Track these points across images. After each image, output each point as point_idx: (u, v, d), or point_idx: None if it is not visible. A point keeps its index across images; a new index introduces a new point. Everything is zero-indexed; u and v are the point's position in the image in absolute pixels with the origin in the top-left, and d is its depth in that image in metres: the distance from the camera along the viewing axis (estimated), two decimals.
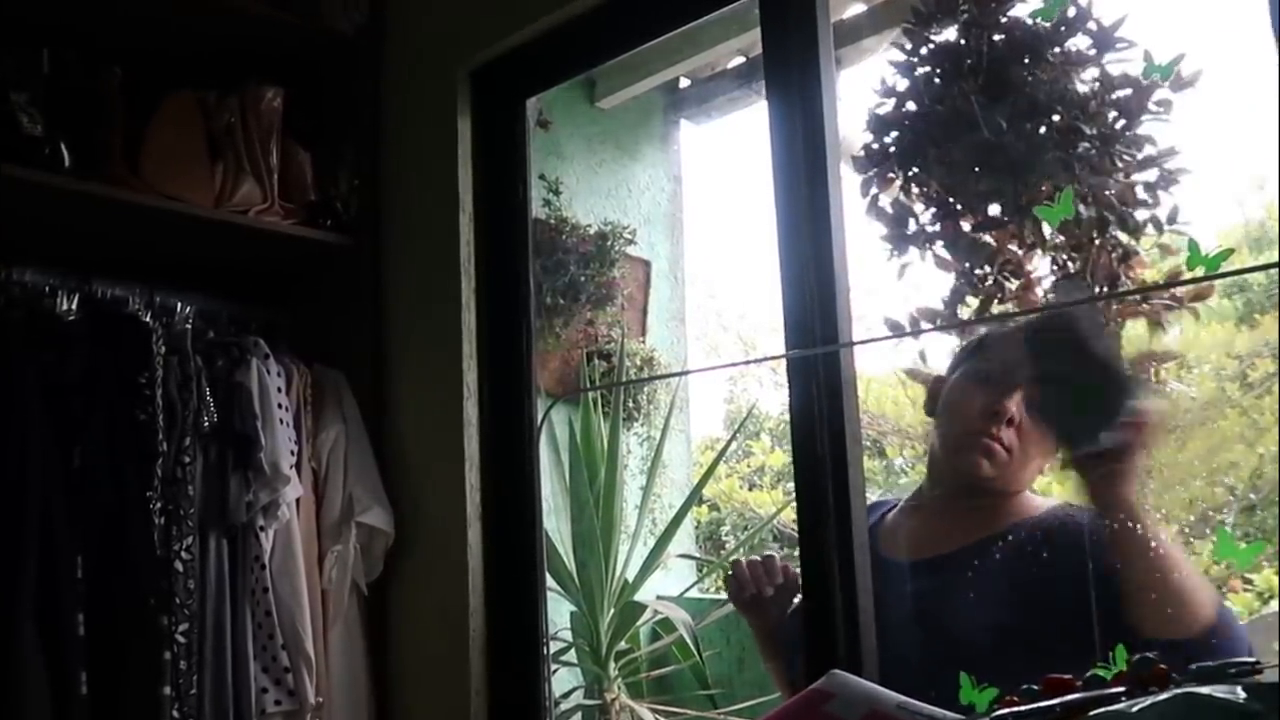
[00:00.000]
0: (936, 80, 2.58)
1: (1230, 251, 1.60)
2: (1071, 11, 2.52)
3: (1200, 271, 1.63)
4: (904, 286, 2.73)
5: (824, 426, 2.30)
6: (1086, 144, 2.39)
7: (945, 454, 2.42)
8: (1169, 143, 2.46)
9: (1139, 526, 2.03)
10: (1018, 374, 2.28)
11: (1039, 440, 2.29)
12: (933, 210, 2.62)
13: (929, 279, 2.69)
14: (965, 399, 2.35)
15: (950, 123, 2.55)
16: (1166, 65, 2.33)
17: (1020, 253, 2.57)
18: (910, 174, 2.62)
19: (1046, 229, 2.49)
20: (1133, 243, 2.47)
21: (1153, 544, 2.02)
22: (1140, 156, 2.43)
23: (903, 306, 2.73)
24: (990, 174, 2.45)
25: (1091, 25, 2.49)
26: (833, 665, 1.98)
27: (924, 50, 2.65)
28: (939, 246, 2.64)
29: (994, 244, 2.57)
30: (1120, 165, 2.43)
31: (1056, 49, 2.51)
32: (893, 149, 2.65)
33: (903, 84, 2.66)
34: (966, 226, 2.60)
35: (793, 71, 2.44)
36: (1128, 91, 2.45)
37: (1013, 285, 2.63)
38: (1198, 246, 1.59)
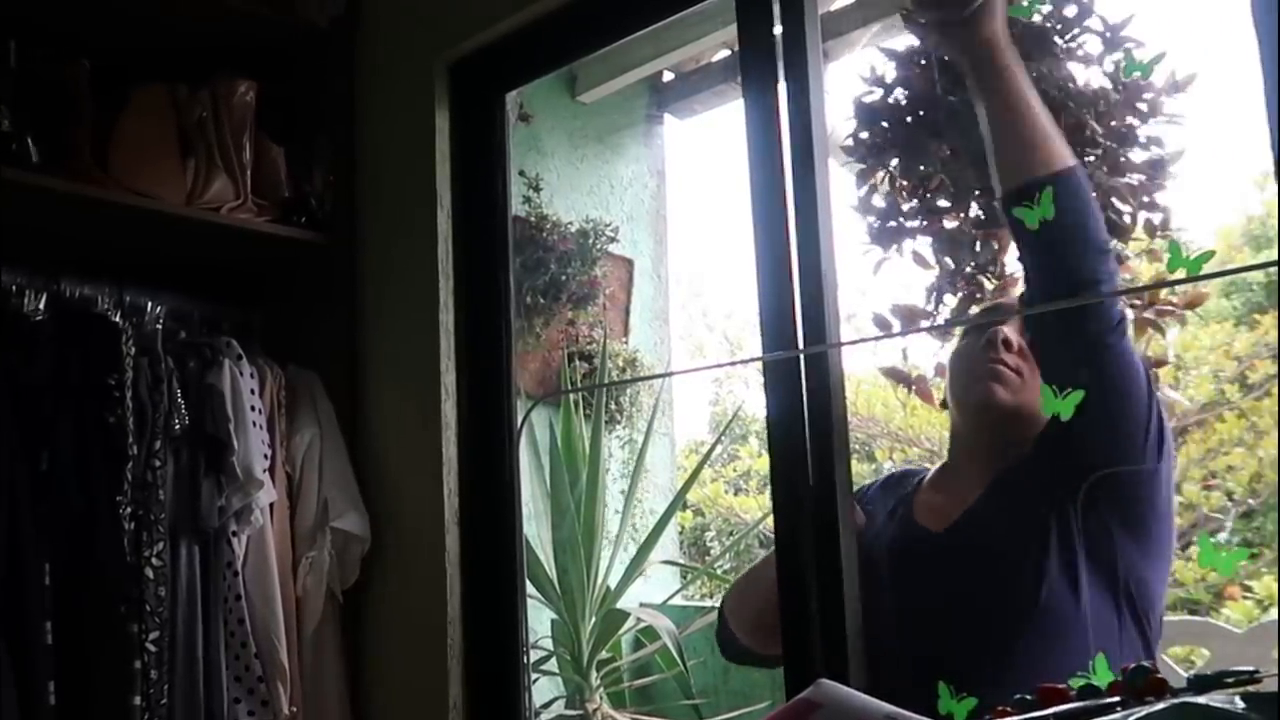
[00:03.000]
0: (932, 73, 2.59)
1: (1211, 253, 1.62)
2: (1072, 10, 2.53)
3: (1182, 274, 1.65)
4: (889, 285, 2.74)
5: (805, 430, 2.31)
6: (1089, 144, 2.41)
7: (960, 406, 2.42)
8: (1165, 143, 2.47)
9: (998, 65, 2.18)
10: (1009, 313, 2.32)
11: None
12: (914, 205, 2.64)
13: (915, 277, 2.71)
14: (962, 351, 2.39)
15: (939, 116, 2.56)
16: (1146, 64, 2.34)
17: (996, 248, 2.59)
18: (893, 167, 2.64)
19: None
20: (1121, 247, 2.48)
21: (1009, 81, 2.17)
22: (1130, 153, 2.44)
23: (884, 304, 2.74)
24: (978, 170, 2.47)
25: (1089, 22, 2.51)
26: (810, 676, 1.99)
27: (914, 44, 2.66)
28: (920, 243, 2.66)
29: (978, 242, 2.59)
30: (1109, 165, 2.45)
31: (1060, 42, 2.52)
32: (878, 141, 2.66)
33: (892, 74, 2.67)
34: (951, 224, 2.61)
35: (771, 63, 2.46)
36: (1120, 90, 2.46)
37: (990, 285, 2.64)
38: (1179, 248, 1.61)
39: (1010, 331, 2.29)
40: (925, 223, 2.64)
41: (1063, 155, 2.15)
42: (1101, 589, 2.12)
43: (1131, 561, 2.17)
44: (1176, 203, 2.46)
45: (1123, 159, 2.45)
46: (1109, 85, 2.49)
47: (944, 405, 2.53)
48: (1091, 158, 2.43)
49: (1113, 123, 2.47)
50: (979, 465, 2.36)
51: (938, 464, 2.54)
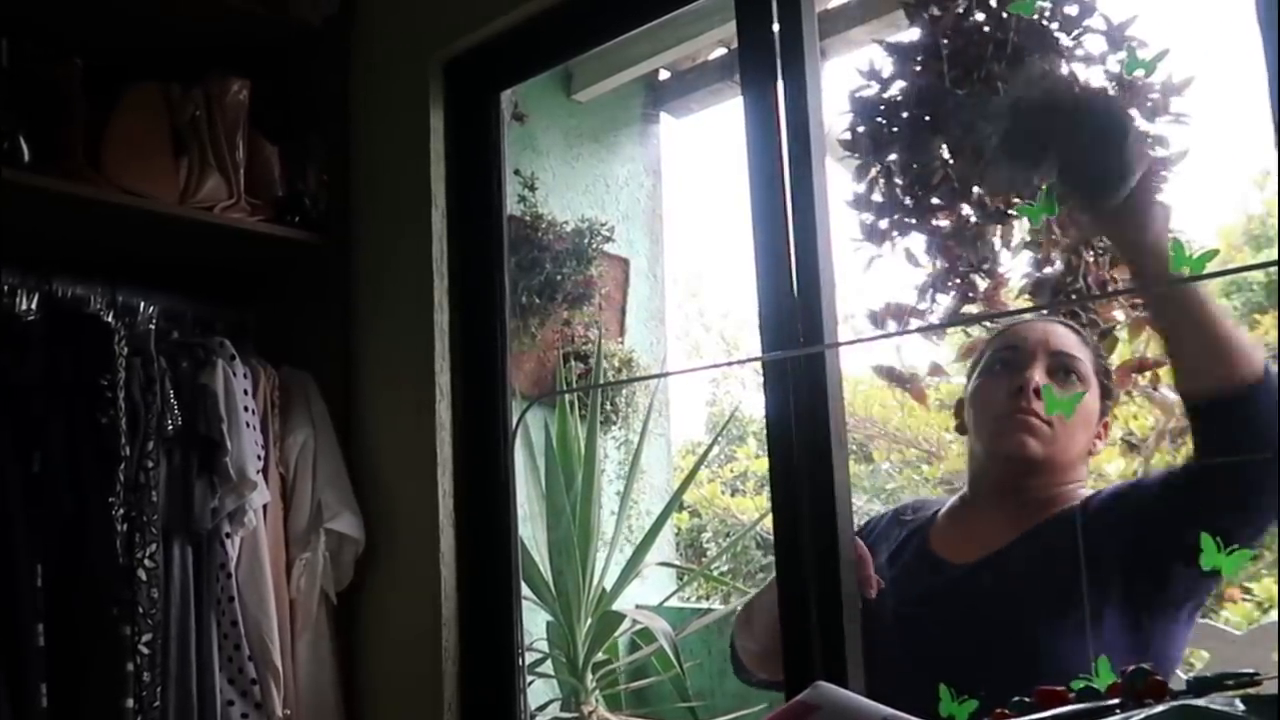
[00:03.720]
0: (938, 67, 2.60)
1: (1215, 252, 1.61)
2: (1074, 9, 2.53)
3: (1186, 273, 1.64)
4: (882, 282, 2.75)
5: (804, 430, 2.31)
6: None
7: (987, 451, 2.41)
8: (1167, 143, 2.48)
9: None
10: (1032, 350, 2.32)
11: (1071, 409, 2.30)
12: (909, 202, 2.64)
13: (909, 275, 2.71)
14: (987, 392, 2.38)
15: (936, 112, 2.56)
16: (1150, 61, 2.34)
17: (993, 250, 2.59)
18: (890, 163, 2.64)
19: (1028, 228, 2.50)
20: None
21: (1187, 292, 1.99)
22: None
23: (876, 302, 2.75)
24: (974, 167, 2.47)
25: (1091, 21, 2.51)
26: (809, 678, 1.98)
27: (915, 39, 2.66)
28: (914, 240, 2.66)
29: (974, 240, 2.59)
30: None
31: (1063, 40, 2.52)
32: (873, 136, 2.66)
33: (889, 69, 2.68)
34: (946, 221, 2.62)
35: (769, 61, 2.46)
36: (1125, 90, 2.46)
37: (983, 284, 2.65)
38: (1183, 247, 1.60)
39: (1040, 377, 2.29)
40: (918, 220, 2.65)
41: (1258, 357, 2.00)
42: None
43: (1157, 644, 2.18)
44: (1177, 202, 2.46)
45: None
46: (1112, 85, 2.49)
47: (960, 430, 2.52)
48: None
49: None
50: (1004, 503, 2.36)
51: (954, 495, 2.53)
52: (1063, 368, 2.31)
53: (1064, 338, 2.34)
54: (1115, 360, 2.54)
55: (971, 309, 2.73)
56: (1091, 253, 2.54)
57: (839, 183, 2.68)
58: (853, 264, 2.75)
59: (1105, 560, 2.08)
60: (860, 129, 2.67)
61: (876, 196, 2.70)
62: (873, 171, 2.69)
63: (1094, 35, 2.53)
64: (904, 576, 2.39)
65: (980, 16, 2.61)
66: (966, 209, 2.59)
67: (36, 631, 2.69)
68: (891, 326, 2.78)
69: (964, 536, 2.40)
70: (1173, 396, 4.27)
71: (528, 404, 4.95)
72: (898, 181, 2.66)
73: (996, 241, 2.64)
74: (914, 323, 2.77)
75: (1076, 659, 2.05)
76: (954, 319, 2.69)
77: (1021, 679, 1.69)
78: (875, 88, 2.68)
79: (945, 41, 2.64)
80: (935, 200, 2.61)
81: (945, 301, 2.70)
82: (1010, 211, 2.55)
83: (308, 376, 3.31)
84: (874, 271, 2.73)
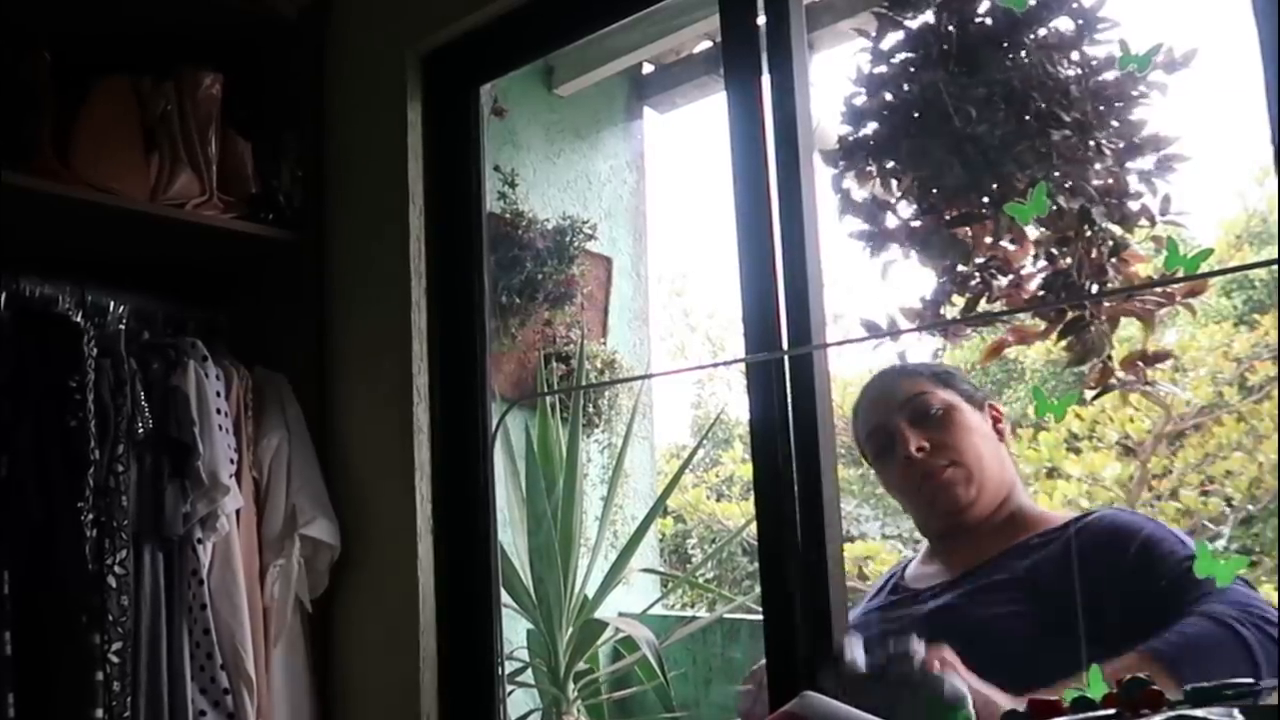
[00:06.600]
0: (911, 69, 2.60)
1: (1209, 251, 1.63)
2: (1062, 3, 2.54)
3: (1180, 273, 1.66)
4: (886, 286, 2.75)
5: (790, 434, 2.32)
6: (1068, 131, 2.41)
7: (928, 520, 2.55)
8: (1159, 128, 2.47)
9: None
10: (887, 425, 2.47)
11: (957, 434, 2.42)
12: (914, 206, 2.64)
13: (913, 278, 2.71)
14: (884, 478, 2.56)
15: (926, 113, 2.56)
16: (1144, 55, 2.34)
17: (1011, 248, 2.59)
18: (886, 167, 2.64)
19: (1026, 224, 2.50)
20: (1126, 236, 2.48)
21: None
22: (1122, 145, 2.45)
23: (882, 306, 2.75)
24: (967, 167, 2.47)
25: (1074, 5, 2.51)
26: (794, 688, 1.99)
27: (895, 36, 2.67)
28: (920, 244, 2.66)
29: (973, 241, 2.59)
30: (1108, 153, 2.45)
31: (1041, 31, 2.52)
32: (872, 142, 2.67)
33: (878, 70, 2.68)
34: (953, 224, 2.62)
35: (754, 55, 2.47)
36: (1112, 75, 2.46)
37: (1001, 283, 2.64)
38: (1176, 246, 1.62)
39: (914, 441, 2.45)
40: (922, 223, 2.65)
41: None
42: None
43: None
44: (1178, 199, 2.47)
45: (1113, 146, 2.46)
46: (1083, 71, 2.50)
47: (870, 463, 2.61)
48: (1080, 146, 2.43)
49: (1099, 110, 2.47)
50: (966, 538, 2.46)
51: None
52: (922, 409, 2.45)
53: (909, 385, 2.51)
54: (1118, 353, 2.54)
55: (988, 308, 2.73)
56: (1093, 247, 2.54)
57: (841, 187, 2.69)
58: (849, 267, 2.76)
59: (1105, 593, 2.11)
60: (852, 136, 2.68)
61: (859, 196, 2.70)
62: (874, 179, 2.69)
63: (1065, 19, 2.53)
64: (882, 614, 2.44)
65: (929, 19, 2.62)
66: (970, 209, 2.59)
67: (4, 640, 2.69)
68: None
69: (938, 571, 2.48)
70: (1172, 393, 4.29)
71: (508, 406, 4.95)
72: (896, 184, 2.66)
73: (1007, 241, 2.64)
74: (908, 326, 2.77)
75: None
76: (942, 321, 2.69)
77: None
78: (864, 95, 2.69)
79: (903, 37, 2.65)
80: (937, 203, 2.61)
81: (960, 303, 2.70)
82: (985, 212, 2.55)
83: (282, 378, 3.32)
84: (872, 275, 2.73)
